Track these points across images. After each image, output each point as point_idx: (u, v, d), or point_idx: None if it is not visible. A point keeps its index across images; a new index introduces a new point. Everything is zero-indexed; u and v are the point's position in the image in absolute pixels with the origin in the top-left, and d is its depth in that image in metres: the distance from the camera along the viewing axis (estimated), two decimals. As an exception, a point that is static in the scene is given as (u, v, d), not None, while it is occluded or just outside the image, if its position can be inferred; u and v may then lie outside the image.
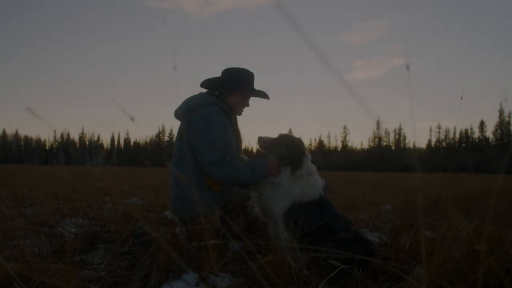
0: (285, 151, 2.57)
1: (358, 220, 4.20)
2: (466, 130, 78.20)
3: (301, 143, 2.65)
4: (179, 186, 2.66)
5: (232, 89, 2.76)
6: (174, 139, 3.00)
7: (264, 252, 2.40)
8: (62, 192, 5.66)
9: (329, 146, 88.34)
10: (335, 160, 71.14)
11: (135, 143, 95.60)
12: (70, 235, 2.92)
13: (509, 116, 70.87)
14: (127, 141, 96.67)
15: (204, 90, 2.88)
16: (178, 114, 2.78)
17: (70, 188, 5.90)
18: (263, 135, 2.74)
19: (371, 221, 4.15)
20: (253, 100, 2.92)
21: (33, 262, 1.96)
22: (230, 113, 2.78)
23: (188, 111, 2.64)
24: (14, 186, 6.51)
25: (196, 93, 2.85)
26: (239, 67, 2.81)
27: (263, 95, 2.86)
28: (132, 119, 0.89)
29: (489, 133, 76.34)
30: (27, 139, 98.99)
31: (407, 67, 0.81)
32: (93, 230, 2.98)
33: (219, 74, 2.85)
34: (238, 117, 2.92)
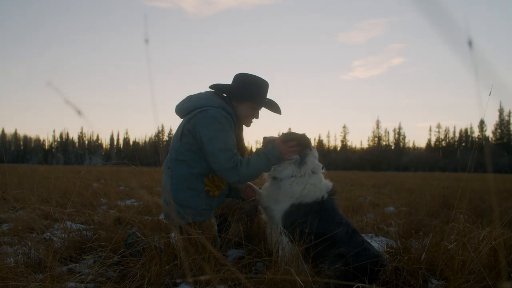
0: None
1: (363, 223, 4.04)
2: (466, 130, 78.21)
3: (306, 139, 2.52)
4: (173, 190, 2.46)
5: (241, 99, 2.57)
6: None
7: (266, 261, 2.23)
8: (56, 194, 5.48)
9: (328, 146, 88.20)
10: (335, 159, 71.04)
11: (135, 142, 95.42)
12: (59, 242, 2.74)
13: (508, 116, 70.82)
14: (126, 140, 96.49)
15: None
16: (181, 110, 2.58)
17: (63, 190, 5.71)
18: (262, 134, 2.68)
19: (376, 225, 3.99)
20: None
21: (10, 278, 1.78)
22: (236, 119, 2.60)
23: (193, 111, 2.46)
24: (6, 187, 6.31)
25: (194, 92, 2.67)
26: (252, 75, 2.59)
27: (275, 109, 2.66)
28: (79, 112, 0.72)
29: (489, 132, 76.23)
30: (26, 139, 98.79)
31: (470, 43, 0.63)
32: (83, 237, 2.79)
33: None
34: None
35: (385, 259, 2.22)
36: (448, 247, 1.92)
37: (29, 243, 2.60)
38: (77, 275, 2.10)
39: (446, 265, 1.88)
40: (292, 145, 2.43)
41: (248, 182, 2.76)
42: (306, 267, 2.07)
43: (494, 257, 1.84)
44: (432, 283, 1.94)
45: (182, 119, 2.59)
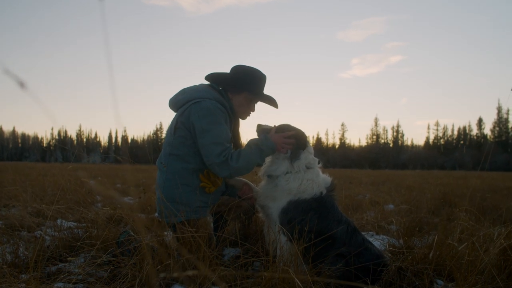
0: None
1: (364, 221, 3.96)
2: (464, 128, 78.25)
3: (302, 133, 2.43)
4: (167, 187, 2.36)
5: (238, 90, 2.47)
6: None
7: (263, 260, 2.14)
8: (50, 191, 5.37)
9: (327, 143, 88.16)
10: (333, 157, 71.02)
11: (133, 140, 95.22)
12: (48, 241, 2.64)
13: (507, 113, 70.86)
14: (124, 138, 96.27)
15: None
16: (175, 104, 2.48)
17: (58, 188, 5.60)
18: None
19: (376, 223, 3.90)
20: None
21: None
22: (232, 113, 2.50)
23: (187, 103, 2.37)
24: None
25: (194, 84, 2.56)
26: (250, 66, 2.50)
27: (271, 102, 2.56)
28: (22, 84, 0.62)
29: (487, 130, 76.24)
30: (24, 136, 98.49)
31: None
32: (74, 235, 2.69)
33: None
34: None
35: (388, 259, 2.13)
36: (459, 248, 1.82)
37: (17, 241, 2.50)
38: (65, 275, 2.01)
39: (454, 265, 1.79)
40: (288, 136, 2.34)
41: (246, 180, 2.68)
42: (306, 267, 1.98)
43: (504, 256, 1.76)
44: (438, 284, 1.85)
45: (176, 113, 2.50)
